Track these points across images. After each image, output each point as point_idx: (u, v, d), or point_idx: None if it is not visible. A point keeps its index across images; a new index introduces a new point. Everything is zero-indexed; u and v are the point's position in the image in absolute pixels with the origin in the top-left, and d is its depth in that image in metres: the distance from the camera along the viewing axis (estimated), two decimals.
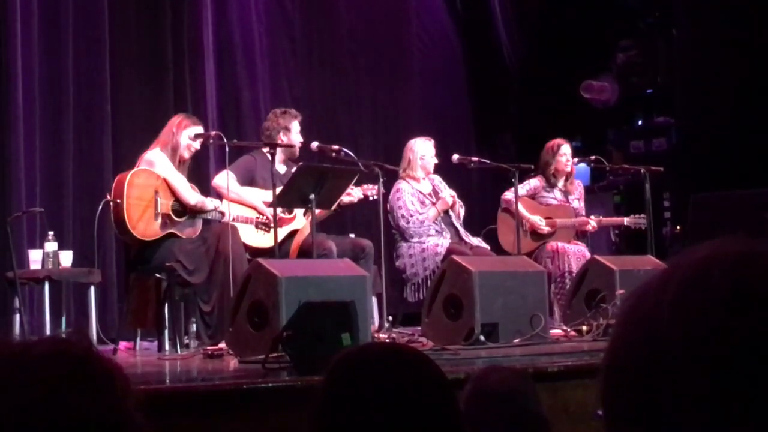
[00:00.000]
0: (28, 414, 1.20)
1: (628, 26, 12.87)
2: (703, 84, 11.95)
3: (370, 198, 8.53)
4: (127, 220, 7.50)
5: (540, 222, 9.56)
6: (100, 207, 7.64)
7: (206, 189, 8.36)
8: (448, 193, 9.16)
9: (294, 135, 8.41)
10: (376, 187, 8.38)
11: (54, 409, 1.21)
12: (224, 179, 7.93)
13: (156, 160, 7.73)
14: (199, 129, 7.98)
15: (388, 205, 8.97)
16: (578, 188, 9.94)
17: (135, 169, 7.71)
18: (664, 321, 1.02)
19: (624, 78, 12.82)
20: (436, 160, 9.17)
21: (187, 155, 7.90)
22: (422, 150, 9.15)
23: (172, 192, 7.75)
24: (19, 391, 1.22)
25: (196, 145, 7.95)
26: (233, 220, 7.90)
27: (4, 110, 8.84)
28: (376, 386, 2.09)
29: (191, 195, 7.83)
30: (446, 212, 9.17)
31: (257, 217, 8.12)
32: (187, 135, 7.85)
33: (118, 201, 7.52)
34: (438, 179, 9.31)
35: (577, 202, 9.83)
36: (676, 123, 12.50)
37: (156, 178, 7.70)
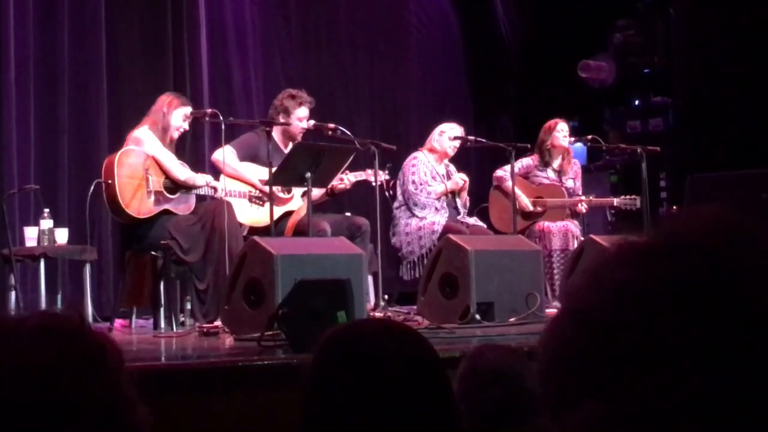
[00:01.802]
0: (19, 388, 1.20)
1: (626, 6, 12.84)
2: (700, 64, 11.93)
3: (373, 184, 8.49)
4: (120, 200, 7.49)
5: (527, 202, 9.58)
6: (92, 189, 7.62)
7: (202, 167, 8.35)
8: (461, 176, 9.22)
9: (294, 119, 8.39)
10: (381, 172, 8.41)
11: (46, 383, 1.21)
12: (221, 154, 7.92)
13: (143, 138, 7.71)
14: (189, 109, 7.96)
15: (400, 173, 9.01)
16: (574, 167, 9.93)
17: (123, 148, 7.69)
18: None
19: (621, 58, 12.79)
20: (455, 145, 9.21)
21: (176, 135, 7.89)
22: (449, 133, 9.24)
23: (162, 169, 7.74)
24: (10, 364, 1.21)
25: (186, 125, 7.94)
26: (226, 194, 7.90)
27: None
28: (366, 362, 2.08)
29: (180, 171, 7.81)
30: (453, 194, 9.20)
31: (250, 191, 8.11)
32: (179, 115, 7.84)
33: (110, 182, 7.51)
34: (452, 167, 9.36)
35: (572, 182, 9.83)
36: (673, 103, 12.49)
37: (145, 156, 7.68)
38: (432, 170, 9.19)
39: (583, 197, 9.80)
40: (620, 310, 1.01)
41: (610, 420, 1.00)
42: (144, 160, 7.67)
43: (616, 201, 9.92)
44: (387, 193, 9.03)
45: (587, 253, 8.32)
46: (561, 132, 9.68)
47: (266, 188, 7.84)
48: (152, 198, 7.65)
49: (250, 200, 8.10)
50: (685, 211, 1.09)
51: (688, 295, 1.00)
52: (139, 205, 7.59)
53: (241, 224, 7.90)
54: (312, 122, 8.37)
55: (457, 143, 9.19)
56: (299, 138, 8.43)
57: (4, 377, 1.20)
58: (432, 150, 9.25)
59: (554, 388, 1.05)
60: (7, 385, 1.19)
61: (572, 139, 9.93)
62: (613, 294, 1.02)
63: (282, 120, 8.34)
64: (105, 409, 1.22)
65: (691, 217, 1.07)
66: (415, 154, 9.28)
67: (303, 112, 8.43)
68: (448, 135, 9.21)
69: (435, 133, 9.28)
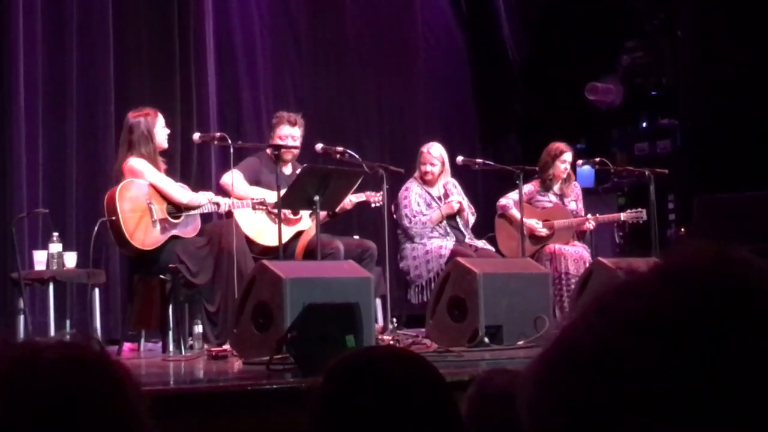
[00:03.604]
0: (38, 422, 1.19)
1: (633, 28, 12.85)
2: (708, 86, 11.93)
3: (373, 205, 8.52)
4: (126, 234, 7.46)
5: (537, 225, 9.57)
6: (96, 227, 7.60)
7: (210, 189, 8.35)
8: (455, 199, 9.19)
9: (276, 137, 8.40)
10: (380, 194, 8.41)
11: (65, 418, 1.20)
12: (230, 178, 7.92)
13: (139, 168, 7.64)
14: (160, 115, 7.92)
15: (394, 204, 9.02)
16: (575, 190, 9.93)
17: (122, 182, 7.61)
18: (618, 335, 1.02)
19: (629, 79, 12.80)
20: (427, 174, 9.21)
21: (166, 145, 7.87)
22: (420, 159, 9.26)
23: (163, 196, 7.70)
24: (29, 398, 1.20)
25: (167, 130, 7.91)
26: (230, 207, 7.88)
27: (5, 111, 8.81)
28: (375, 388, 2.09)
29: (182, 194, 7.78)
30: (453, 217, 9.19)
31: (253, 198, 8.06)
32: (161, 126, 7.81)
33: (113, 218, 7.48)
34: (453, 183, 9.35)
35: (574, 204, 9.83)
36: (681, 125, 12.48)
37: (145, 186, 7.63)
38: (425, 197, 9.17)
39: (589, 215, 9.79)
40: (640, 341, 1.00)
41: None
42: (145, 191, 7.61)
43: (623, 216, 9.88)
44: (394, 215, 9.05)
45: (595, 275, 8.30)
46: (564, 164, 9.67)
47: (275, 211, 7.84)
48: (158, 227, 7.60)
49: (254, 207, 8.05)
50: (695, 241, 1.09)
51: (709, 323, 0.99)
52: (144, 236, 7.54)
53: (250, 241, 7.89)
54: (320, 146, 8.37)
55: (428, 167, 9.18)
56: (287, 158, 8.39)
57: (22, 411, 1.19)
58: (421, 177, 9.24)
59: (562, 423, 1.04)
60: (26, 419, 1.19)
61: (580, 161, 9.93)
62: (630, 324, 1.01)
63: (272, 139, 8.38)
64: None
65: (701, 246, 1.07)
66: (407, 184, 9.24)
67: (283, 130, 8.43)
68: (419, 159, 9.25)
69: (418, 161, 9.30)
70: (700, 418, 0.98)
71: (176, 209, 7.72)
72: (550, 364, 1.06)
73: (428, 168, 9.18)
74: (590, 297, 1.08)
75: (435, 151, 9.24)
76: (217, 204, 7.87)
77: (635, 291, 1.04)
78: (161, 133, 7.81)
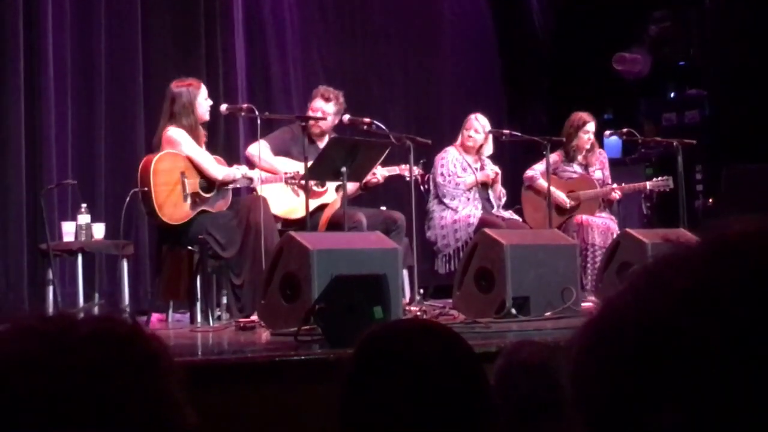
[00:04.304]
0: (68, 400, 1.19)
1: None
2: (735, 56, 11.86)
3: (407, 178, 8.48)
4: (156, 208, 7.46)
5: (563, 197, 9.56)
6: (128, 198, 7.62)
7: (237, 162, 8.37)
8: (491, 168, 9.24)
9: (309, 110, 8.42)
10: (416, 168, 8.42)
11: (94, 394, 1.20)
12: (257, 149, 7.93)
13: (177, 139, 7.61)
14: (203, 87, 7.92)
15: (421, 161, 9.06)
16: (600, 158, 9.90)
17: (159, 153, 7.61)
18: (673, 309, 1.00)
19: (656, 50, 12.74)
20: (471, 139, 9.26)
21: (207, 117, 7.85)
22: (465, 125, 9.36)
23: (198, 170, 7.70)
24: (59, 374, 1.20)
25: (209, 102, 7.88)
26: (262, 182, 7.89)
27: (36, 85, 8.87)
28: (405, 361, 2.11)
29: (218, 169, 7.76)
30: (485, 187, 9.22)
31: (286, 173, 8.06)
32: (203, 97, 7.79)
33: (146, 189, 7.49)
34: (488, 161, 9.39)
35: (600, 173, 9.81)
36: (709, 95, 12.42)
37: (181, 159, 7.62)
38: (462, 162, 9.24)
39: (614, 185, 9.77)
40: (695, 317, 0.98)
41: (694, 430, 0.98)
42: (179, 163, 7.61)
43: (648, 184, 9.84)
44: (422, 187, 9.06)
45: (623, 247, 8.29)
46: (587, 134, 9.66)
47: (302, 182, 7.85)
48: (188, 201, 7.59)
49: (286, 182, 8.06)
50: (740, 217, 1.06)
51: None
52: (173, 210, 7.52)
53: (276, 217, 7.91)
54: (347, 117, 8.37)
55: (472, 132, 9.26)
56: (314, 131, 8.41)
57: (52, 386, 1.20)
58: (462, 143, 9.29)
59: (605, 397, 1.02)
60: (55, 395, 1.19)
61: (608, 132, 9.90)
62: (685, 301, 1.00)
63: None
64: (151, 417, 1.23)
65: (751, 221, 1.05)
66: (447, 148, 9.36)
67: (316, 104, 8.44)
68: (464, 125, 9.32)
69: (463, 126, 9.36)
70: (751, 398, 0.96)
71: (208, 184, 7.72)
72: (597, 333, 1.05)
73: (472, 134, 9.25)
74: (640, 269, 1.06)
75: (482, 120, 9.33)
76: (251, 179, 7.86)
77: (689, 266, 1.03)
78: (203, 105, 7.77)
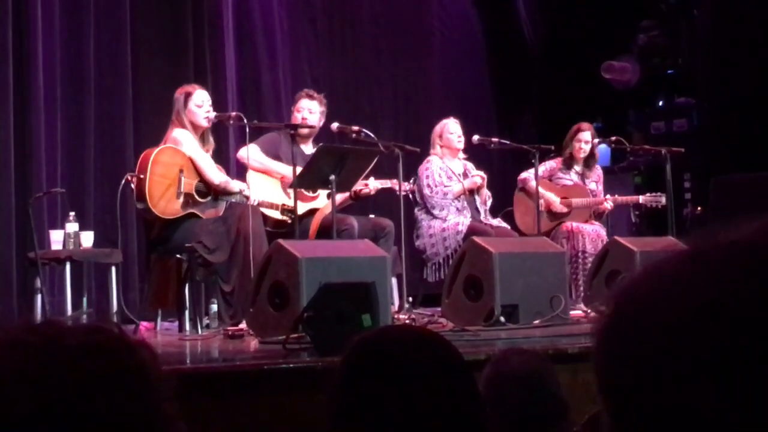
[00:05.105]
0: (54, 412, 1.18)
1: (650, 7, 12.82)
2: (724, 65, 11.89)
3: (397, 192, 8.44)
4: (148, 197, 7.48)
5: (555, 199, 9.59)
6: (123, 182, 7.63)
7: (227, 170, 8.36)
8: (479, 174, 9.25)
9: (295, 111, 8.42)
10: (406, 184, 8.42)
11: (82, 407, 1.19)
12: (246, 150, 7.92)
13: (182, 139, 7.68)
14: (204, 92, 7.93)
15: (412, 178, 9.04)
16: (596, 172, 9.94)
17: (161, 146, 7.67)
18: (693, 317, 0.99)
19: (645, 59, 12.78)
20: (460, 141, 9.26)
21: (205, 123, 7.84)
22: (449, 129, 9.29)
23: (198, 171, 7.73)
24: (46, 387, 1.19)
25: (210, 113, 7.87)
26: (259, 204, 7.89)
27: (25, 92, 8.86)
28: (394, 369, 2.10)
29: (216, 174, 7.78)
30: (472, 194, 9.22)
31: (284, 204, 8.08)
32: (193, 104, 7.80)
33: (141, 176, 7.49)
34: (470, 164, 9.38)
35: (594, 185, 9.84)
36: (698, 104, 12.46)
37: (182, 156, 7.66)
38: (447, 170, 9.21)
39: (607, 196, 9.79)
40: (716, 328, 0.98)
41: None
42: (179, 160, 7.64)
43: (641, 199, 9.88)
44: (410, 196, 9.06)
45: (612, 254, 8.31)
46: (579, 142, 9.69)
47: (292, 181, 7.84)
48: (181, 199, 7.61)
49: (282, 213, 8.08)
50: (748, 222, 1.05)
51: None
52: (166, 205, 7.56)
53: (265, 218, 7.90)
54: (336, 125, 8.36)
55: (460, 132, 9.25)
56: (303, 133, 8.40)
57: (39, 397, 1.18)
58: (449, 147, 9.28)
59: (635, 380, 1.01)
60: (41, 407, 1.18)
61: (596, 140, 9.92)
62: (706, 311, 0.99)
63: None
64: (140, 429, 1.22)
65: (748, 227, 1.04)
66: (428, 158, 9.30)
67: (301, 103, 8.42)
68: (447, 129, 9.28)
69: (434, 136, 9.35)
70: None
71: (205, 189, 7.73)
72: (616, 335, 1.04)
73: (458, 137, 9.24)
74: (656, 274, 1.04)
75: (458, 126, 9.32)
76: (247, 197, 7.85)
77: (707, 276, 1.01)
78: (195, 112, 7.77)
